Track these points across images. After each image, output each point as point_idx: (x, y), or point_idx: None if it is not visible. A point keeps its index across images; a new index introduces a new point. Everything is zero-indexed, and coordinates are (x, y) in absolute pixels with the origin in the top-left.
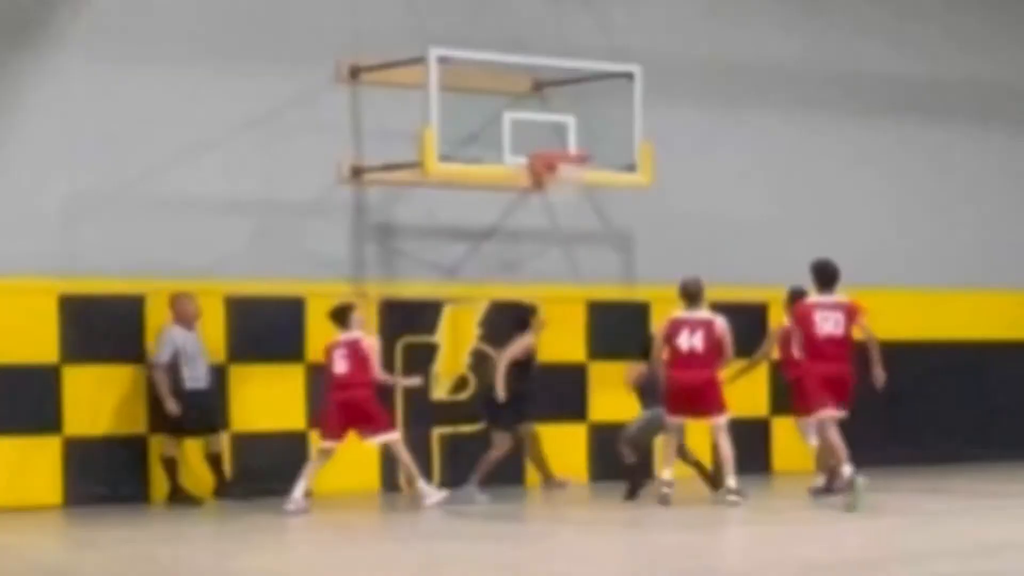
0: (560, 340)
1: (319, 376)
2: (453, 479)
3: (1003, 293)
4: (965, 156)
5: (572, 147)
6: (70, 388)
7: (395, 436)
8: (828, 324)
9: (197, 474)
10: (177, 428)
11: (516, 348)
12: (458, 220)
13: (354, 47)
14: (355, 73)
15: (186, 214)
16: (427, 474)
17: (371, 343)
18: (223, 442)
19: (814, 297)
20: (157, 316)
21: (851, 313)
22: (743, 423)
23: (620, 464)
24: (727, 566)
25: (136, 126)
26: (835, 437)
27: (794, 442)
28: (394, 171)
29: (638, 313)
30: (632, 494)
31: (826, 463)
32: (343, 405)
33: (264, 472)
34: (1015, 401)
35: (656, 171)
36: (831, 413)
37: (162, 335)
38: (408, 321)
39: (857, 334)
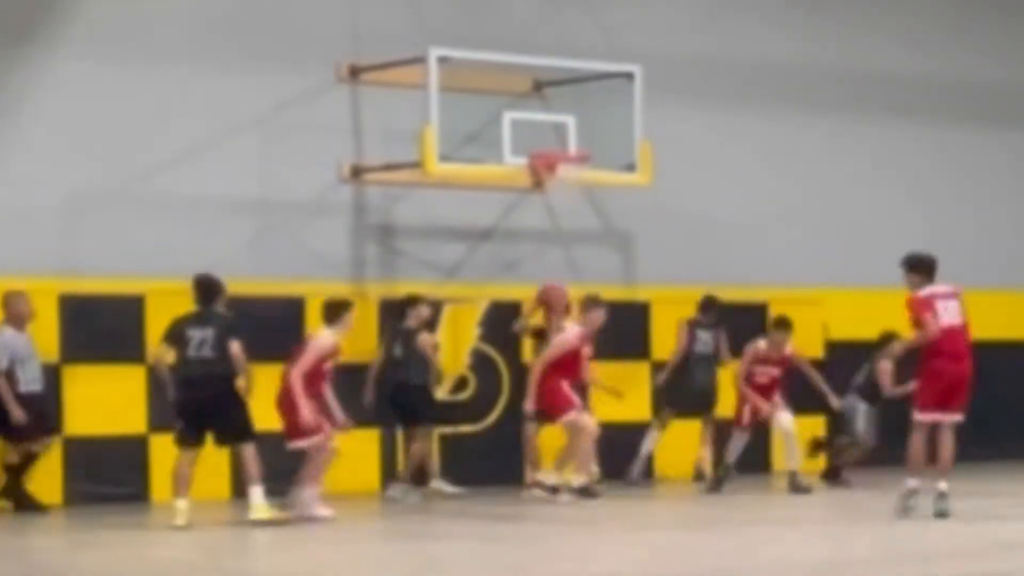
0: None
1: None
2: (455, 478)
3: (1003, 293)
4: (966, 156)
5: (572, 147)
6: (70, 388)
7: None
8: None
9: (42, 479)
10: (17, 433)
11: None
12: (458, 220)
13: (354, 47)
14: (355, 73)
15: (186, 214)
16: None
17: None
18: (51, 446)
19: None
20: (157, 316)
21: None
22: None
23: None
24: (727, 566)
25: (136, 126)
26: None
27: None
28: (394, 171)
29: (638, 313)
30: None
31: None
32: None
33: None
34: (1015, 401)
35: (656, 171)
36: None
37: None
38: None
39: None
